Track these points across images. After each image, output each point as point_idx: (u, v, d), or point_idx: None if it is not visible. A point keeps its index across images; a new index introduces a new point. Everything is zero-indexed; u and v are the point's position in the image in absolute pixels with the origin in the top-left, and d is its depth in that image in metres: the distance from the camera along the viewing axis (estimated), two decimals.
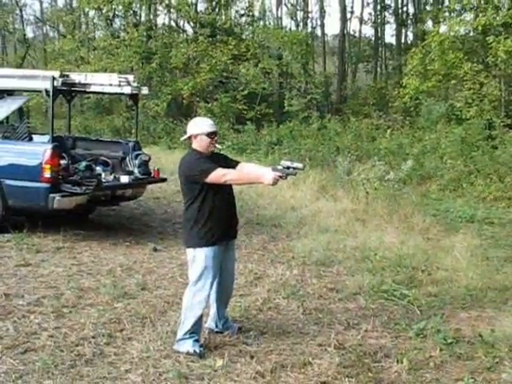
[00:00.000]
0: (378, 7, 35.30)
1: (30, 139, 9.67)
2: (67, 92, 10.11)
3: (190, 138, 5.32)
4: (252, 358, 5.12)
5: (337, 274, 7.79)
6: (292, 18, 35.11)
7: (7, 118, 10.40)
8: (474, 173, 15.21)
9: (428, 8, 31.37)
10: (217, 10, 30.36)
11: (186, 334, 5.21)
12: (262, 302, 6.54)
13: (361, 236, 9.48)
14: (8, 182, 8.86)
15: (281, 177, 5.08)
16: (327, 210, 11.43)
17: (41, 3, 39.73)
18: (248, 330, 5.71)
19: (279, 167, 5.13)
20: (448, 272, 7.67)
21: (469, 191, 14.34)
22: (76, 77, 9.39)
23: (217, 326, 5.63)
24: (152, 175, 10.12)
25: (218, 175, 5.09)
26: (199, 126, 5.30)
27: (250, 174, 5.37)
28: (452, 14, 24.77)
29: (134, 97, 10.24)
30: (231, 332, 5.61)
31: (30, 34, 39.67)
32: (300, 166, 5.16)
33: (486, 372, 4.97)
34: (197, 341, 5.22)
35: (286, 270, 7.81)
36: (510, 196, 13.67)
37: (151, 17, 31.42)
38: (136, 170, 9.88)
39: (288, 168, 5.11)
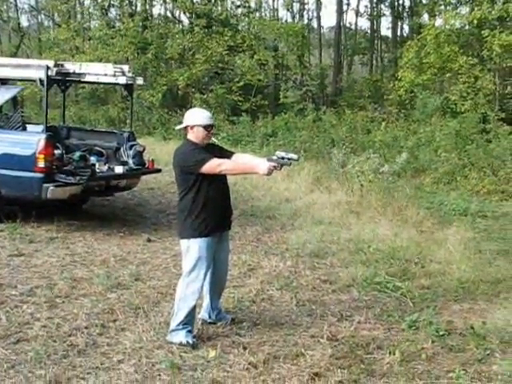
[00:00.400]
0: (374, 0, 35.25)
1: (24, 129, 9.63)
2: (61, 81, 10.06)
3: (185, 128, 5.30)
4: (245, 349, 5.13)
5: (330, 266, 7.80)
6: (288, 10, 35.05)
7: (1, 107, 10.34)
8: (467, 166, 15.24)
9: (424, 1, 31.29)
10: (213, 0, 30.24)
11: (179, 324, 5.21)
12: (255, 294, 6.55)
13: (355, 228, 9.49)
14: (1, 171, 8.81)
15: (275, 167, 5.07)
16: (321, 202, 11.44)
17: None
18: (241, 321, 5.72)
19: (274, 158, 5.12)
20: (441, 265, 7.69)
21: (463, 184, 14.37)
22: (70, 66, 9.36)
23: (210, 317, 5.63)
24: (146, 166, 10.10)
25: (213, 165, 5.08)
26: (197, 118, 5.27)
27: (244, 164, 5.36)
28: (448, 8, 24.79)
29: (128, 87, 10.21)
30: (224, 323, 5.61)
31: (24, 23, 39.41)
32: (295, 156, 5.14)
33: (477, 364, 4.99)
34: (190, 332, 5.22)
35: (279, 262, 7.82)
36: (504, 189, 13.71)
37: (147, 7, 31.33)
38: (130, 161, 9.85)
39: (283, 158, 5.10)
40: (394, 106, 23.81)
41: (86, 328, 5.43)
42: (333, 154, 14.35)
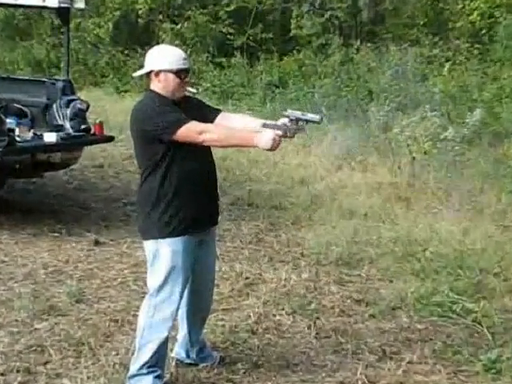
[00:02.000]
0: None
1: None
2: None
3: (148, 74, 5.32)
4: None
5: (367, 279, 7.87)
6: None
7: None
8: None
9: None
10: None
11: (142, 367, 5.24)
12: (255, 321, 6.61)
13: (403, 223, 9.54)
14: None
15: (284, 136, 5.06)
16: (353, 184, 11.51)
17: None
18: (235, 362, 5.78)
19: (282, 122, 5.09)
20: None
21: None
22: None
23: (188, 356, 5.69)
24: (92, 132, 10.12)
25: (193, 131, 5.07)
26: (165, 59, 5.26)
27: (239, 132, 5.32)
28: None
29: (63, 12, 10.21)
30: (210, 364, 5.67)
31: None
32: (316, 117, 5.13)
33: None
34: (159, 377, 5.27)
35: (291, 273, 7.88)
36: None
37: None
38: (67, 125, 9.87)
39: (297, 122, 5.08)
40: (463, 39, 23.77)
41: (1, 375, 5.45)
42: (370, 112, 14.37)
